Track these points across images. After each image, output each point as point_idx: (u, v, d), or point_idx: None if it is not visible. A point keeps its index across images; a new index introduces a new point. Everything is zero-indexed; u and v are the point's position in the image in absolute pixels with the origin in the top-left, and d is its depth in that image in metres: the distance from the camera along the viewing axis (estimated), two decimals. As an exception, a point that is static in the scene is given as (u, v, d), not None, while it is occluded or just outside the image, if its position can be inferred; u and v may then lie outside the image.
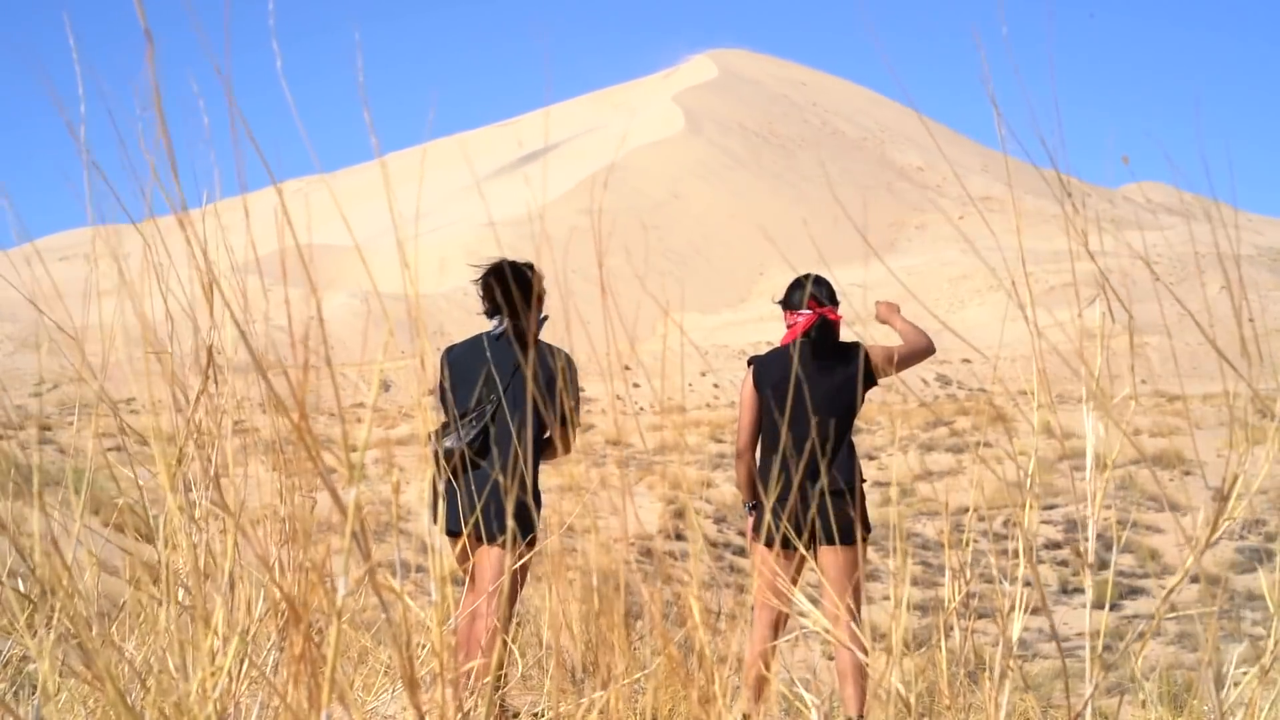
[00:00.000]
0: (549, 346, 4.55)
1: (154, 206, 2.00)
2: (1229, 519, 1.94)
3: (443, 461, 4.45)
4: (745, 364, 4.92)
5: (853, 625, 4.29)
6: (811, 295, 4.77)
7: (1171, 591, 1.98)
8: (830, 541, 4.62)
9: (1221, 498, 1.91)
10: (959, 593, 2.30)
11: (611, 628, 1.94)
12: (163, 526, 1.94)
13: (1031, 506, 2.12)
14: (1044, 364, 2.08)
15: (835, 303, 4.83)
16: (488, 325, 4.70)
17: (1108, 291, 2.04)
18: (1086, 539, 2.00)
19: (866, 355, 4.78)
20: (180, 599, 2.07)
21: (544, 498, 4.72)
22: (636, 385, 45.48)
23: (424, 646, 2.60)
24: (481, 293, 4.63)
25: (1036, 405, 2.16)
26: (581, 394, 5.01)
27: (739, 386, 5.35)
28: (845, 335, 4.94)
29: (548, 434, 4.67)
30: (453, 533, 4.54)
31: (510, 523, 2.11)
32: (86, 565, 2.48)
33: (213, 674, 1.71)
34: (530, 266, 4.64)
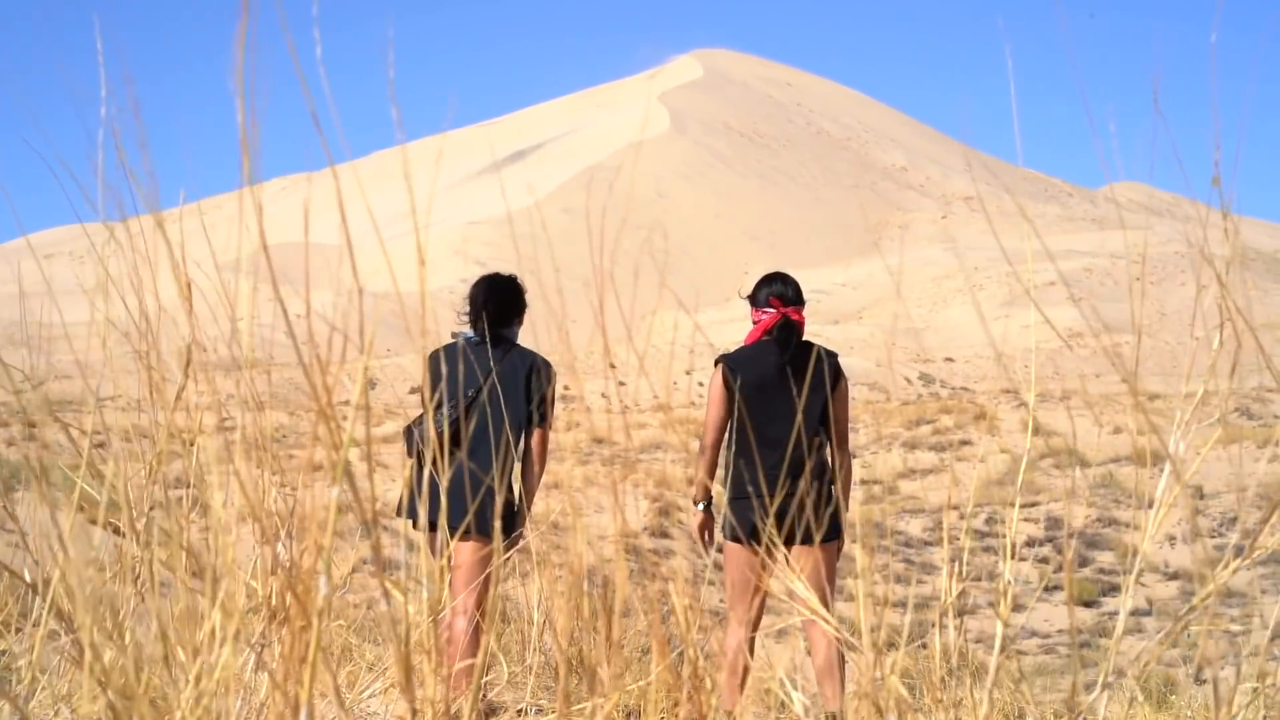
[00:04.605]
0: (526, 351, 4.84)
1: (128, 207, 2.01)
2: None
3: (417, 451, 4.59)
4: (714, 363, 4.86)
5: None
6: (777, 294, 4.76)
7: (1191, 610, 2.00)
8: (803, 541, 4.62)
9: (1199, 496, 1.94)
10: (954, 589, 2.32)
11: (600, 625, 1.96)
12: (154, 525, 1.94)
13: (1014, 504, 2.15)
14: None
15: (800, 302, 4.81)
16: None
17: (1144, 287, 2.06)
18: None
19: (839, 377, 4.70)
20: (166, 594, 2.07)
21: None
22: (622, 384, 45.47)
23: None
24: (468, 302, 4.88)
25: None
26: (567, 392, 5.20)
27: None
28: (821, 337, 4.91)
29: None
30: (431, 524, 4.61)
31: (489, 517, 2.12)
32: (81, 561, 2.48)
33: (210, 669, 1.71)
34: (514, 279, 4.89)
